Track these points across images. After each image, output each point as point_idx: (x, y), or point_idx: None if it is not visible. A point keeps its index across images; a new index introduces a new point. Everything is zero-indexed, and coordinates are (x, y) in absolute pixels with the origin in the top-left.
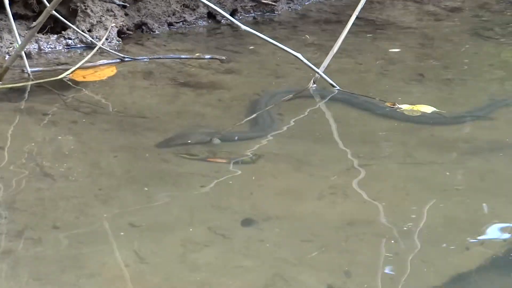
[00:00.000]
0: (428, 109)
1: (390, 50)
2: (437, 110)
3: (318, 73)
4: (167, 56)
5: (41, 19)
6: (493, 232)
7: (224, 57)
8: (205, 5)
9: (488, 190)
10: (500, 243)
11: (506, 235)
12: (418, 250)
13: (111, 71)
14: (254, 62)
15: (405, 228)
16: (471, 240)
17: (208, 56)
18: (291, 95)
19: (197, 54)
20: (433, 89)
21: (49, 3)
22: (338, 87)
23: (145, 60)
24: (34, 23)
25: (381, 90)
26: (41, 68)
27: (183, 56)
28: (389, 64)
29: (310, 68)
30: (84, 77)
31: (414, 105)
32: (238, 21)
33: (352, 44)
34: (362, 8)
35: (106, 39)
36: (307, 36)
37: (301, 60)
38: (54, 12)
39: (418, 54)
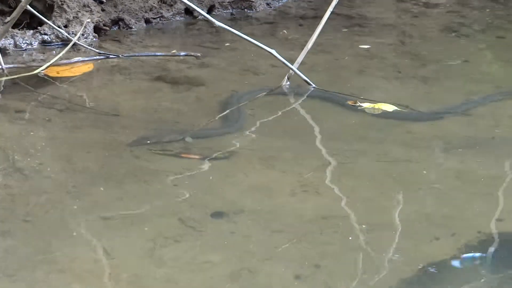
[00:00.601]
0: (389, 107)
1: (360, 46)
2: (399, 108)
3: (292, 69)
4: (143, 54)
5: (15, 14)
6: (465, 226)
7: (199, 54)
8: (182, 1)
9: (462, 188)
10: (473, 236)
11: (478, 230)
12: (388, 243)
13: (87, 67)
14: (231, 58)
15: (377, 223)
16: (443, 233)
17: (184, 53)
18: (265, 93)
19: (173, 51)
20: (410, 87)
21: None
22: (313, 85)
23: (121, 57)
24: (8, 19)
25: (358, 87)
26: (16, 64)
27: (158, 54)
28: (367, 60)
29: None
30: (58, 73)
31: (375, 103)
32: (215, 17)
33: (330, 40)
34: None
35: (82, 34)
36: (284, 31)
37: (275, 56)
38: (29, 8)
39: (396, 51)
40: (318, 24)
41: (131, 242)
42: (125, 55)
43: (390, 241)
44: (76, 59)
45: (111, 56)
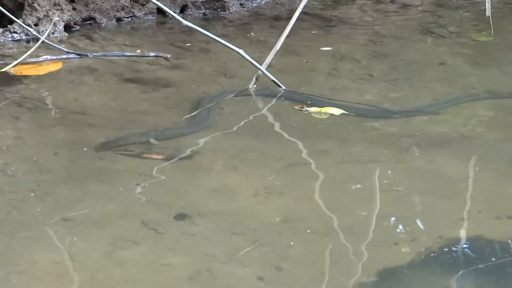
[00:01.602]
0: (336, 111)
1: (322, 48)
2: (346, 112)
3: (260, 70)
4: (112, 53)
5: None
6: (427, 230)
7: (169, 55)
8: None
9: (428, 190)
10: (435, 240)
11: (440, 233)
12: (349, 246)
13: (56, 66)
14: (203, 59)
15: (338, 226)
16: (403, 237)
17: (153, 54)
18: (233, 94)
19: (138, 51)
20: (380, 88)
21: None
22: (282, 86)
23: (90, 56)
24: None
25: (328, 88)
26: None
27: (127, 54)
28: (338, 62)
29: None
30: (26, 72)
31: (322, 107)
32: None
33: (301, 42)
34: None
35: (53, 33)
36: (252, 33)
37: (243, 57)
38: None
39: (368, 52)
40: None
41: (92, 244)
42: (94, 54)
43: (350, 244)
44: (44, 57)
45: (79, 55)
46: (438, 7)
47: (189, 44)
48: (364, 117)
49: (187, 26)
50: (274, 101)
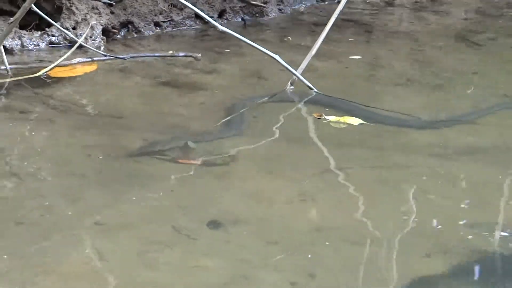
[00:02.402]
0: (355, 121)
1: (351, 57)
2: (364, 122)
3: (295, 74)
4: (142, 54)
5: (18, 15)
6: (460, 241)
7: (199, 55)
8: (192, 4)
9: (459, 197)
10: (465, 252)
11: (473, 245)
12: (382, 254)
13: (90, 68)
14: (239, 63)
15: (372, 234)
16: (435, 247)
17: (182, 54)
18: (267, 98)
19: (170, 52)
20: (417, 94)
21: None
22: (315, 90)
23: (124, 58)
24: (11, 19)
25: (366, 94)
26: (20, 66)
27: (156, 54)
28: (376, 68)
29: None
30: (62, 74)
31: (341, 117)
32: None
33: (340, 47)
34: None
35: (90, 37)
36: (289, 37)
37: (279, 62)
38: (35, 9)
39: (406, 59)
40: (331, 31)
41: (122, 247)
42: (130, 55)
43: (383, 253)
44: (77, 59)
45: (114, 57)
46: (479, 16)
47: (226, 49)
48: (397, 126)
49: (222, 31)
50: (309, 106)
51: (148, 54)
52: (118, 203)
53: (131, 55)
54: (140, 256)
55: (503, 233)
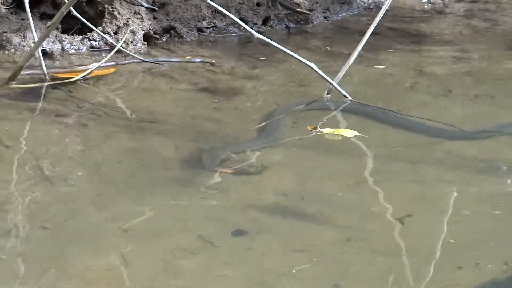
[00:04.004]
0: (350, 133)
1: (394, 66)
2: (360, 134)
3: (331, 83)
4: (161, 59)
5: (55, 19)
6: (492, 256)
7: (214, 61)
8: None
9: (496, 215)
10: (500, 268)
11: (506, 260)
12: (412, 268)
13: (107, 70)
14: (279, 70)
15: (402, 247)
16: (467, 262)
17: (199, 60)
18: (303, 105)
19: (188, 57)
20: (459, 104)
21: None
22: (350, 98)
23: (144, 61)
24: (49, 23)
25: (406, 103)
26: (57, 69)
27: (174, 60)
28: (419, 77)
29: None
30: (97, 78)
31: (335, 129)
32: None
33: (384, 56)
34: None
35: (131, 42)
36: (327, 47)
37: (315, 71)
38: (75, 13)
39: (450, 68)
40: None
41: (147, 254)
42: (151, 60)
43: (412, 266)
44: (93, 65)
45: (134, 61)
46: None
47: (269, 56)
48: (434, 136)
49: (258, 38)
50: (345, 114)
51: (168, 59)
52: (146, 210)
53: (154, 60)
54: (165, 264)
55: None
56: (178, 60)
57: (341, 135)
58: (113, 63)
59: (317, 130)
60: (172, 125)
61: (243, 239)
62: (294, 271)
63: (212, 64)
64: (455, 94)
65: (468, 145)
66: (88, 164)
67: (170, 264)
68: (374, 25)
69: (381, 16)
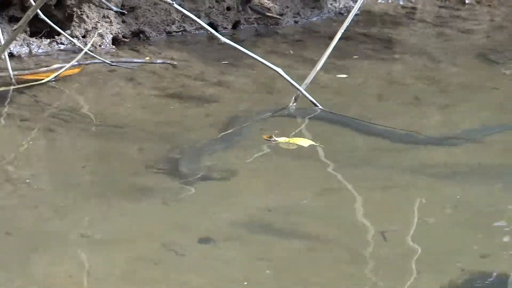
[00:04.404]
0: (305, 142)
1: (363, 73)
2: (315, 143)
3: (298, 89)
4: (123, 60)
5: (21, 22)
6: (450, 263)
7: (175, 63)
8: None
9: (458, 221)
10: (457, 273)
11: (463, 266)
12: (373, 275)
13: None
14: (249, 75)
15: (364, 254)
16: (425, 268)
17: (160, 61)
18: (270, 113)
19: (147, 58)
20: (427, 113)
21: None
22: (320, 106)
23: (107, 63)
24: (15, 26)
25: (374, 112)
26: (21, 72)
27: (136, 60)
28: (388, 85)
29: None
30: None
31: (290, 138)
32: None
33: (352, 63)
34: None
35: (100, 45)
36: (291, 51)
37: (281, 75)
38: (43, 16)
39: (420, 75)
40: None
41: (109, 261)
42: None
43: (372, 273)
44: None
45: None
46: (502, 34)
47: (239, 59)
48: (402, 143)
49: (224, 42)
50: (312, 121)
51: (128, 60)
52: (109, 216)
53: (114, 61)
54: (125, 271)
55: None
56: (138, 61)
57: (296, 144)
58: (77, 63)
59: (272, 139)
60: (138, 130)
61: (209, 247)
62: (257, 280)
63: (173, 65)
64: (423, 101)
65: (434, 152)
66: (52, 169)
67: (132, 272)
68: (342, 31)
69: (349, 21)
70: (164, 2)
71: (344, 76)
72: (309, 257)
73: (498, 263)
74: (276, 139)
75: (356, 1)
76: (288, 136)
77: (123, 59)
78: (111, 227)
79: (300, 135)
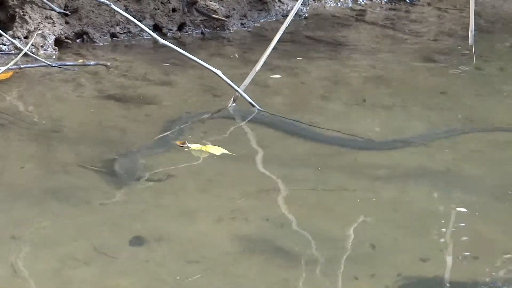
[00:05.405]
0: (217, 150)
1: (309, 74)
2: (227, 152)
3: (237, 90)
4: (60, 63)
5: None
6: (387, 266)
7: (109, 63)
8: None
9: (396, 222)
10: (394, 278)
11: (400, 271)
12: (309, 279)
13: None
14: (193, 77)
15: (298, 255)
16: (362, 271)
17: (93, 63)
18: (210, 114)
19: (80, 61)
20: (373, 115)
21: None
22: (258, 107)
23: (48, 65)
24: None
25: (318, 113)
26: None
27: (68, 63)
28: (333, 86)
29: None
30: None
31: (204, 145)
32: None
33: (299, 64)
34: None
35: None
36: (236, 55)
37: (220, 77)
38: None
39: (367, 77)
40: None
41: (37, 262)
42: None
43: (307, 277)
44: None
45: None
46: (449, 37)
47: (181, 62)
48: (341, 147)
49: (163, 44)
50: (251, 123)
51: (63, 63)
52: (42, 217)
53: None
54: (55, 273)
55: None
56: (72, 63)
57: (208, 152)
58: (16, 66)
59: (185, 145)
60: (77, 133)
61: (141, 249)
62: (188, 281)
63: (107, 66)
64: (369, 103)
65: (375, 155)
66: None
67: (61, 274)
68: (281, 32)
69: (288, 22)
70: (101, 2)
71: (288, 77)
72: (240, 259)
73: (437, 267)
74: (189, 145)
75: (303, 4)
76: (216, 139)
77: (60, 62)
78: (43, 229)
79: (232, 135)
